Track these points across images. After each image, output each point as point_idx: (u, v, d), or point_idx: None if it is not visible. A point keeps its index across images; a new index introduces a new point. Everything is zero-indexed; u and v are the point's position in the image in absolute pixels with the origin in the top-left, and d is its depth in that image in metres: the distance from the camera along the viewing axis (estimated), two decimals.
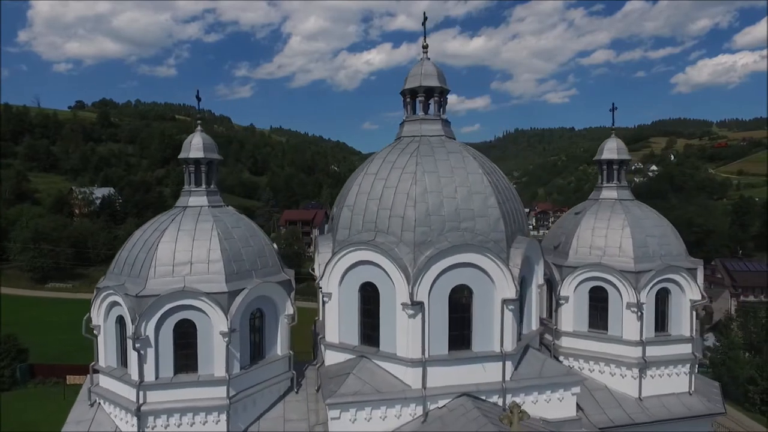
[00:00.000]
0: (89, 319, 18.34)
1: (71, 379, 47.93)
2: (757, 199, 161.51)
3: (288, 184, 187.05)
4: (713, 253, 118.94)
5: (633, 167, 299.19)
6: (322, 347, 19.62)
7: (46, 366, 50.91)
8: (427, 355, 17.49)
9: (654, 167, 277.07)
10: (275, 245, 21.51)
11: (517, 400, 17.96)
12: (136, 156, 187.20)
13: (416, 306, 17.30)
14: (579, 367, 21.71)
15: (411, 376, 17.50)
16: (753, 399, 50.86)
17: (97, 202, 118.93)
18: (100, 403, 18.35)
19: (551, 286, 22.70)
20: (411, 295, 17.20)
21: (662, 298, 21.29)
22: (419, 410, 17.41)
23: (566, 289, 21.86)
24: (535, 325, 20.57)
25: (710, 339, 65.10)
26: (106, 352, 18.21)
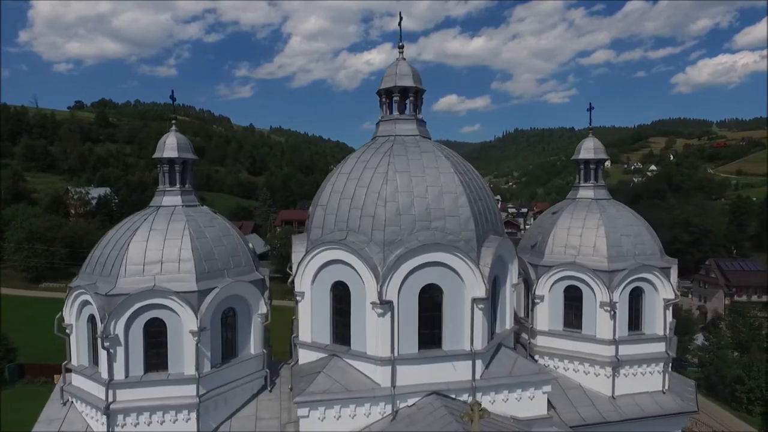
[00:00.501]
0: (61, 318, 18.45)
1: (59, 379, 47.87)
2: (754, 198, 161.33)
3: (286, 184, 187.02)
4: (710, 252, 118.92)
5: (632, 167, 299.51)
6: (296, 346, 19.72)
7: (36, 366, 51.03)
8: (396, 354, 17.56)
9: (653, 167, 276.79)
10: (251, 245, 21.58)
11: (488, 398, 18.11)
12: (134, 156, 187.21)
13: (385, 305, 17.37)
14: (554, 366, 21.81)
15: (380, 375, 17.57)
16: (740, 398, 50.93)
17: (93, 202, 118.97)
18: (72, 402, 18.46)
19: (528, 285, 22.78)
20: (380, 294, 17.28)
21: (636, 297, 21.38)
22: (388, 409, 17.48)
23: (541, 288, 21.94)
24: (509, 324, 20.62)
25: (699, 338, 65.16)
26: (78, 351, 18.33)
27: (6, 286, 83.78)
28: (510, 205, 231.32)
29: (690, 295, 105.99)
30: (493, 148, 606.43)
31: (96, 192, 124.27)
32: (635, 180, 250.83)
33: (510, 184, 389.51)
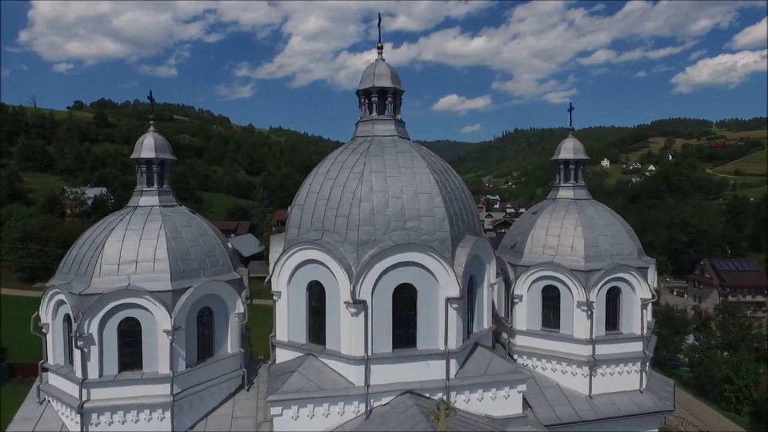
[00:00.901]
0: (38, 318, 18.54)
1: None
2: (752, 199, 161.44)
3: (283, 184, 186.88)
4: (707, 252, 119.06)
5: (631, 167, 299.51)
6: (273, 345, 19.81)
7: (26, 365, 50.86)
8: (370, 353, 17.64)
9: (652, 167, 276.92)
10: (230, 245, 21.65)
11: (463, 397, 18.22)
12: None
13: (359, 304, 17.45)
14: (532, 366, 21.88)
15: (354, 374, 17.65)
16: (728, 398, 51.05)
17: (89, 202, 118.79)
18: (49, 401, 18.55)
19: (508, 285, 22.84)
20: (353, 293, 17.35)
21: (614, 297, 21.46)
22: (362, 408, 17.55)
23: (520, 288, 22.01)
24: (486, 324, 20.66)
25: (691, 338, 65.22)
26: (54, 350, 18.44)
27: (1, 286, 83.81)
28: (509, 205, 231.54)
29: (685, 295, 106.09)
30: (493, 148, 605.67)
31: (92, 192, 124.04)
32: (634, 180, 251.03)
33: (510, 184, 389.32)
